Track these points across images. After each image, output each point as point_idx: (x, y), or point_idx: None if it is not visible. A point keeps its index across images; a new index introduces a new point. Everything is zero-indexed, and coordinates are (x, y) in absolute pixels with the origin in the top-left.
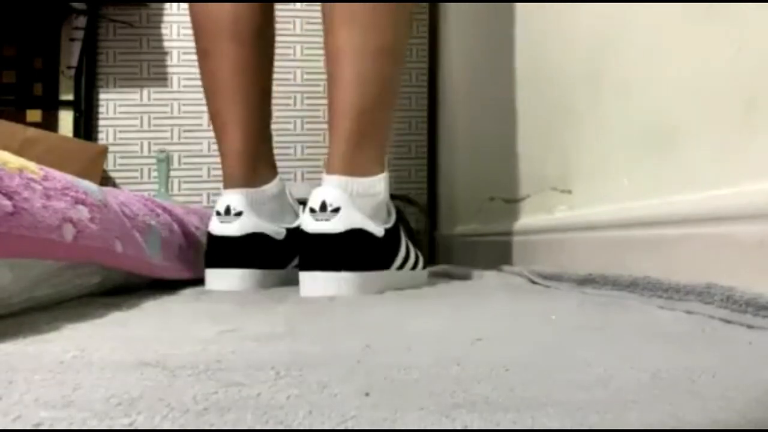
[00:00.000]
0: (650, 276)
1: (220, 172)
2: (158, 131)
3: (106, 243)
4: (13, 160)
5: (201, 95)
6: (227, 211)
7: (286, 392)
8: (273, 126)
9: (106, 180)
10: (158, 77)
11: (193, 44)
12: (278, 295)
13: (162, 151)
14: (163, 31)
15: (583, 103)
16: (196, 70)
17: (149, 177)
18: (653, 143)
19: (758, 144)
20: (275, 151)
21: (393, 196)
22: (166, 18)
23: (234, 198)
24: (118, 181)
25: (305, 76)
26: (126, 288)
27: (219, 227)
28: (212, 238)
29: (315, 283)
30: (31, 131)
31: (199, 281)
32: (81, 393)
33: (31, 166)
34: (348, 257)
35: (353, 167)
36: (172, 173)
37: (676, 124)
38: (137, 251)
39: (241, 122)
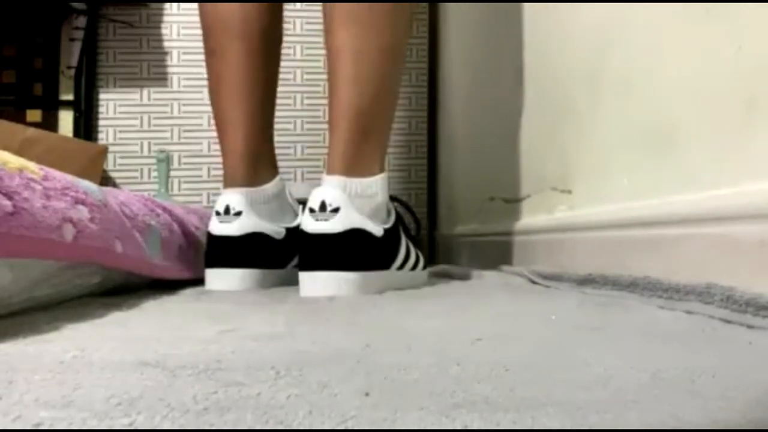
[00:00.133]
0: (650, 276)
1: (220, 172)
2: (158, 131)
3: (106, 243)
4: (13, 160)
5: (201, 95)
6: (227, 210)
7: (286, 392)
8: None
9: (106, 180)
10: (158, 77)
11: (193, 44)
12: (278, 295)
13: (162, 151)
14: (163, 31)
15: (584, 102)
16: (196, 70)
17: (149, 177)
18: (653, 143)
19: (758, 144)
20: (275, 151)
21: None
22: (166, 18)
23: (233, 198)
24: (118, 181)
25: (305, 76)
26: (126, 288)
27: (218, 227)
28: (212, 238)
29: (315, 283)
30: (31, 131)
31: (199, 281)
32: (81, 393)
33: (31, 166)
34: (348, 257)
35: (353, 167)
36: (172, 173)
37: (676, 124)
38: (137, 251)
39: (244, 122)
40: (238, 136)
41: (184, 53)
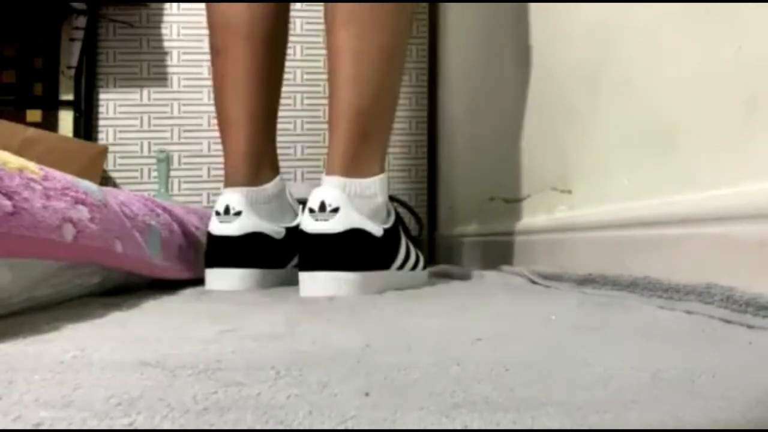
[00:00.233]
0: (650, 276)
1: (220, 172)
2: (158, 131)
3: (106, 243)
4: (13, 160)
5: (201, 95)
6: (226, 210)
7: (286, 392)
8: None
9: (106, 180)
10: (158, 77)
11: (193, 44)
12: (278, 295)
13: (162, 151)
14: (163, 31)
15: (583, 102)
16: (196, 70)
17: (149, 177)
18: (653, 143)
19: (758, 144)
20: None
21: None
22: (166, 18)
23: (233, 197)
24: (118, 181)
25: (305, 76)
26: (126, 288)
27: (218, 227)
28: (212, 238)
29: (315, 283)
30: (31, 131)
31: (199, 281)
32: (81, 393)
33: (31, 166)
34: (347, 257)
35: (353, 167)
36: (172, 173)
37: (676, 124)
38: (137, 251)
39: (247, 122)
40: (240, 136)
41: (184, 53)
